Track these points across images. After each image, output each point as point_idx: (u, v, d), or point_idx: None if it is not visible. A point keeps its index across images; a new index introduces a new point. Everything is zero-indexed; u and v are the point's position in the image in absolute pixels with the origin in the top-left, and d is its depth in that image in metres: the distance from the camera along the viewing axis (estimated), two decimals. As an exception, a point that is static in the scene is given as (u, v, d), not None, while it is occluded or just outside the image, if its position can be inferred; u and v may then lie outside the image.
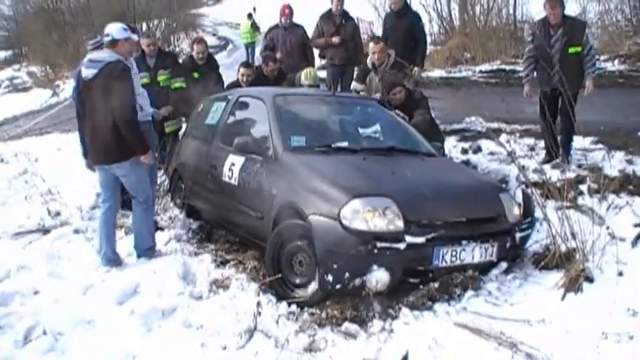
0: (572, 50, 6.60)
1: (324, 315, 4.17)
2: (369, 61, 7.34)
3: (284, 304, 4.37)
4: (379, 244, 4.07)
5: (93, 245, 5.93)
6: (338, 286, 4.15)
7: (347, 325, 4.03)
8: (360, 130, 5.65)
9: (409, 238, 4.13)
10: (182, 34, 36.29)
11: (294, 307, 4.34)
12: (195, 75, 8.02)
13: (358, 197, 4.21)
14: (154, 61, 7.83)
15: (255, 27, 22.24)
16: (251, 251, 5.29)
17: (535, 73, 7.12)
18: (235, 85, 7.87)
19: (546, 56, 6.68)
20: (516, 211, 4.70)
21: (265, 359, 3.72)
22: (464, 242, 4.28)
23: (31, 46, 30.88)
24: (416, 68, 7.94)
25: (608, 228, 5.36)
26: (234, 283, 4.81)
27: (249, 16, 22.87)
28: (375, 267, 4.08)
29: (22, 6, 34.22)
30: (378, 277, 4.08)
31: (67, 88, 23.16)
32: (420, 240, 4.15)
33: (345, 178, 4.52)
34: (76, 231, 6.34)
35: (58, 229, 6.43)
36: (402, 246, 4.10)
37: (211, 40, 30.57)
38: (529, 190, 5.56)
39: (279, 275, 4.50)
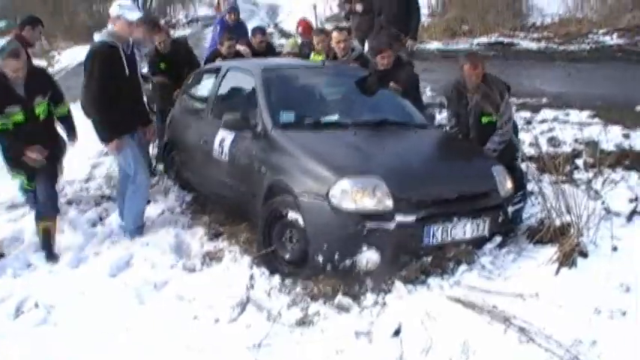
0: (485, 120, 5.35)
1: (316, 289, 4.15)
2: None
3: (277, 277, 4.37)
4: (368, 224, 4.04)
5: (86, 217, 5.92)
6: (328, 266, 4.14)
7: (340, 299, 4.02)
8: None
9: (399, 218, 4.09)
10: (179, 5, 35.92)
11: (287, 281, 4.32)
12: (162, 66, 7.41)
13: (347, 177, 4.16)
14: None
15: None
16: (244, 223, 5.25)
17: None
18: (216, 54, 7.63)
19: (463, 126, 5.55)
20: (508, 184, 4.66)
21: (257, 332, 3.72)
22: (455, 219, 4.25)
23: (25, 15, 30.50)
24: (410, 40, 7.81)
25: (603, 203, 5.34)
26: (227, 255, 4.81)
27: None
28: (365, 247, 4.06)
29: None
30: (368, 257, 4.06)
31: (62, 59, 22.92)
32: (410, 219, 4.12)
33: (334, 156, 4.46)
34: (69, 202, 6.31)
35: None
36: (391, 225, 4.08)
37: (208, 11, 30.19)
38: (524, 164, 5.54)
39: (272, 248, 4.48)
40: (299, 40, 8.83)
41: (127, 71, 5.20)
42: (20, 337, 3.89)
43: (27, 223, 5.63)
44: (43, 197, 5.12)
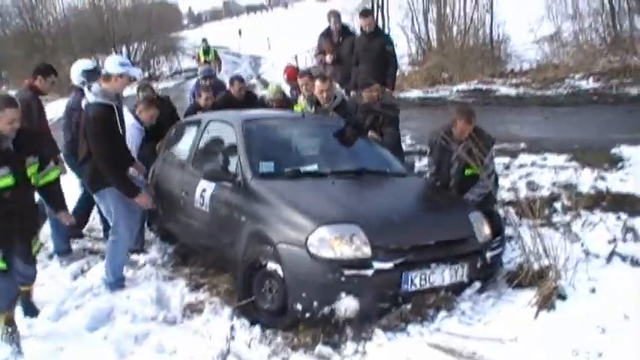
0: (468, 172, 5.35)
1: (296, 339, 4.16)
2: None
3: (257, 327, 4.36)
4: (346, 272, 4.06)
5: (69, 270, 5.90)
6: (307, 315, 4.14)
7: (320, 348, 4.03)
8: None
9: (377, 264, 4.12)
10: (162, 57, 36.39)
11: (267, 331, 4.32)
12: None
13: (325, 225, 4.21)
14: None
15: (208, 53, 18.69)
16: (225, 275, 5.25)
17: None
18: (196, 108, 7.74)
19: (444, 176, 5.55)
20: (486, 230, 4.71)
21: (239, 384, 3.70)
22: (433, 265, 4.28)
23: (11, 69, 30.75)
24: (386, 90, 7.92)
25: (582, 245, 5.41)
26: (207, 307, 4.81)
27: (204, 41, 19.60)
28: (343, 294, 4.07)
29: (2, 30, 34.09)
30: (347, 305, 4.07)
31: (48, 111, 22.92)
32: (388, 265, 4.14)
33: (312, 205, 4.50)
34: (50, 256, 6.28)
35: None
36: (369, 272, 4.10)
37: (191, 63, 30.60)
38: (503, 209, 5.60)
39: (252, 299, 4.48)
40: (285, 87, 8.91)
41: (120, 128, 5.24)
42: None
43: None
44: (24, 271, 4.62)
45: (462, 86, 14.87)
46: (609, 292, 4.26)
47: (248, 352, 4.09)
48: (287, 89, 8.77)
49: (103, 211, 5.55)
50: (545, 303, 4.13)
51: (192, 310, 4.81)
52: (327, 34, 8.80)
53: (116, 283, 5.36)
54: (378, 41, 8.12)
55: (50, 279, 5.69)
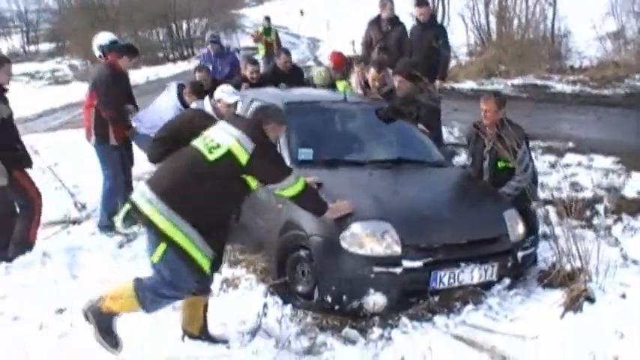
0: (501, 165, 5.28)
1: (325, 321, 4.30)
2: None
3: (289, 306, 4.51)
4: (376, 269, 4.17)
5: (113, 239, 6.18)
6: (336, 307, 4.28)
7: (347, 331, 4.17)
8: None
9: (406, 263, 4.22)
10: (222, 34, 36.69)
11: (299, 312, 4.47)
12: None
13: (358, 221, 4.31)
14: None
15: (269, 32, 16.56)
16: (262, 254, 5.42)
17: None
18: (243, 80, 7.84)
19: (477, 168, 5.50)
20: (520, 229, 4.73)
21: (264, 358, 3.85)
22: (462, 264, 4.35)
23: (73, 39, 31.52)
24: (437, 82, 7.88)
25: (621, 250, 5.40)
26: (243, 282, 4.98)
27: (267, 19, 17.00)
28: (372, 290, 4.18)
29: (68, 0, 34.94)
30: (375, 300, 4.19)
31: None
32: (417, 264, 4.24)
33: (348, 199, 4.49)
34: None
35: (81, 224, 6.81)
36: (398, 270, 4.20)
37: (249, 42, 30.76)
38: (542, 208, 5.59)
39: (285, 279, 4.63)
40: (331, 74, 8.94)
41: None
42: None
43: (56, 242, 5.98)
44: None
45: (518, 80, 14.67)
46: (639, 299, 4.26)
47: (278, 328, 4.24)
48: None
49: None
50: (573, 304, 4.15)
51: (229, 284, 4.98)
52: (376, 21, 8.72)
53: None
54: (432, 32, 8.05)
55: (97, 245, 6.05)
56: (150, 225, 3.72)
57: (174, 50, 32.07)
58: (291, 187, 4.02)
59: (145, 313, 3.83)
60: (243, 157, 3.77)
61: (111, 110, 6.25)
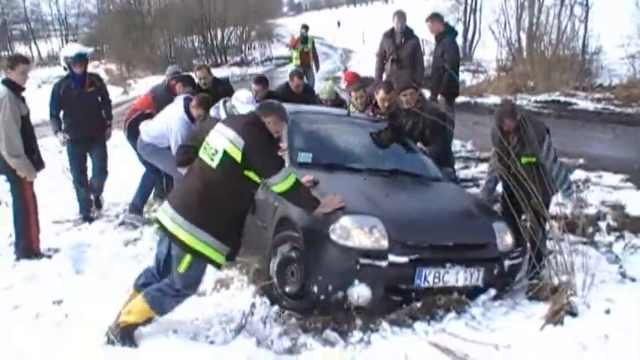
0: (524, 160, 5.31)
1: (308, 323, 4.40)
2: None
3: (276, 307, 4.62)
4: (362, 261, 4.26)
5: (120, 234, 6.40)
6: (322, 297, 4.37)
7: (327, 333, 4.26)
8: None
9: (392, 257, 4.30)
10: (256, 43, 37.13)
11: (284, 313, 4.57)
12: None
13: (348, 214, 4.42)
14: None
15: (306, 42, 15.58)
16: (258, 256, 5.53)
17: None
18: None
19: (503, 166, 5.50)
20: (508, 240, 4.78)
21: (244, 356, 3.95)
22: (448, 265, 4.42)
23: (110, 44, 32.34)
24: (439, 96, 7.90)
25: (621, 267, 5.40)
26: (235, 283, 5.11)
27: (305, 27, 15.85)
28: (357, 282, 4.27)
29: (107, 5, 35.79)
30: (360, 292, 4.26)
31: (137, 87, 24.07)
32: (403, 259, 4.32)
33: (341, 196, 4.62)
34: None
35: (92, 222, 7.07)
36: (384, 264, 4.28)
37: (284, 51, 31.03)
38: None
39: (272, 281, 4.73)
40: (339, 86, 9.07)
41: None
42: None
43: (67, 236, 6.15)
44: None
45: (543, 97, 14.64)
46: (623, 315, 4.26)
47: (262, 329, 4.35)
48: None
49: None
50: (554, 317, 4.18)
51: (222, 284, 5.11)
52: (390, 34, 8.84)
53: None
54: (440, 47, 8.14)
55: (104, 242, 6.26)
56: (174, 239, 4.09)
57: (209, 57, 32.58)
58: (283, 182, 4.26)
59: (159, 316, 4.23)
60: (237, 155, 4.07)
61: None
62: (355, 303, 4.30)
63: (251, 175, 4.17)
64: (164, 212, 4.18)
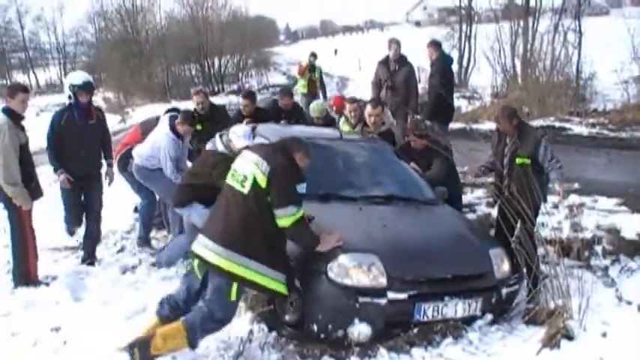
0: (519, 161, 5.67)
1: (305, 350, 4.40)
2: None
3: (274, 334, 4.62)
4: (361, 299, 4.27)
5: (118, 261, 6.43)
6: (322, 335, 4.37)
7: (326, 359, 4.25)
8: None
9: (391, 294, 4.32)
10: (253, 71, 37.41)
11: (282, 339, 4.57)
12: (198, 127, 7.28)
13: (345, 253, 4.43)
14: None
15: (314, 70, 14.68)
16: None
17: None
18: (240, 113, 8.00)
19: (499, 164, 5.93)
20: (505, 267, 4.81)
21: (242, 382, 3.98)
22: (446, 298, 4.44)
23: (108, 72, 32.55)
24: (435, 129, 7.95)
25: (617, 290, 5.42)
26: (233, 310, 5.09)
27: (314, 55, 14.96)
28: (357, 320, 4.28)
29: (105, 34, 36.06)
30: (360, 330, 4.28)
31: (135, 115, 24.13)
32: (402, 296, 4.34)
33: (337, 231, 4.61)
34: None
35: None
36: (383, 301, 4.30)
37: (281, 79, 31.29)
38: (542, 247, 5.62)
39: (270, 307, 4.73)
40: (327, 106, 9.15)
41: None
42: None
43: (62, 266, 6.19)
44: None
45: (538, 122, 14.65)
46: (619, 338, 4.29)
47: (260, 356, 4.36)
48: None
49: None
50: (550, 341, 4.22)
51: (220, 311, 5.12)
52: (384, 62, 9.00)
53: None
54: (433, 76, 8.29)
55: (102, 270, 6.30)
56: (218, 271, 4.14)
57: (206, 85, 32.80)
58: (290, 217, 4.22)
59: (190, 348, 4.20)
60: (263, 181, 4.15)
61: None
62: (356, 340, 4.31)
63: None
64: (204, 246, 4.20)
